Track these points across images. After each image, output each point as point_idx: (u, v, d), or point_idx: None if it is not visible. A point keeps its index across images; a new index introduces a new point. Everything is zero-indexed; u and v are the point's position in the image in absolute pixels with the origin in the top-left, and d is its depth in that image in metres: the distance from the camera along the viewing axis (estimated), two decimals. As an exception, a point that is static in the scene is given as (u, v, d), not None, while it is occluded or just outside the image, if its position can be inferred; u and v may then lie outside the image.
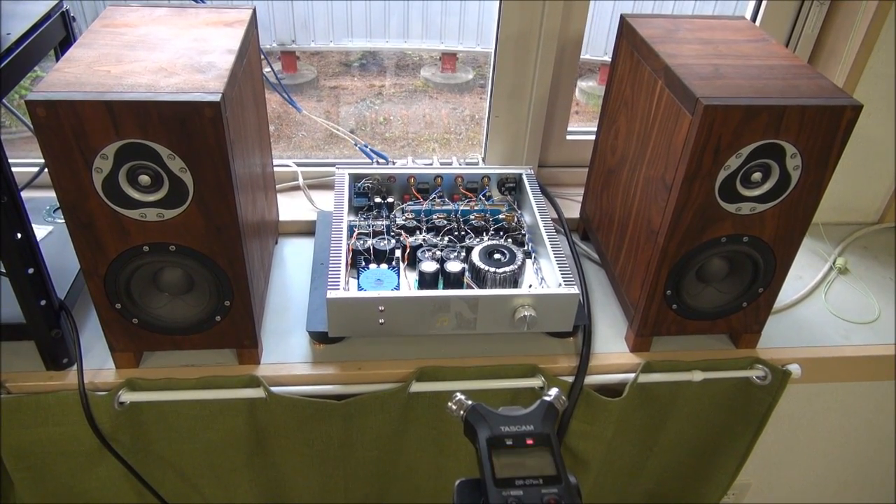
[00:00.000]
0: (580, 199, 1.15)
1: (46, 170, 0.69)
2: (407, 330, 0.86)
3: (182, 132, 0.67)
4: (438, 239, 0.96)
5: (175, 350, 0.86)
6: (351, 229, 0.96)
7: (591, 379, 0.91)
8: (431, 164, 1.14)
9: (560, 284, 0.86)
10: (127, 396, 0.83)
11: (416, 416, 0.93)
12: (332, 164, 1.19)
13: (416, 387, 0.88)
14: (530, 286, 0.91)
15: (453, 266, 0.89)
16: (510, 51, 1.11)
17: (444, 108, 1.92)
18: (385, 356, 0.90)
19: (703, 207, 0.78)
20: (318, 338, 0.90)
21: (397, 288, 0.87)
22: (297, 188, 1.20)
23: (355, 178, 1.04)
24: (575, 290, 0.86)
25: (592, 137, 1.08)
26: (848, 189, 1.20)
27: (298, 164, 1.21)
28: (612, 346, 0.94)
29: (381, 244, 0.94)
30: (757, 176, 0.77)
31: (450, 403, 0.59)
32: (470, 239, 0.97)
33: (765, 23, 1.12)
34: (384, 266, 0.91)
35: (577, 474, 0.98)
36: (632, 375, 0.91)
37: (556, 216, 1.13)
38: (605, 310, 0.99)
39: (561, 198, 1.20)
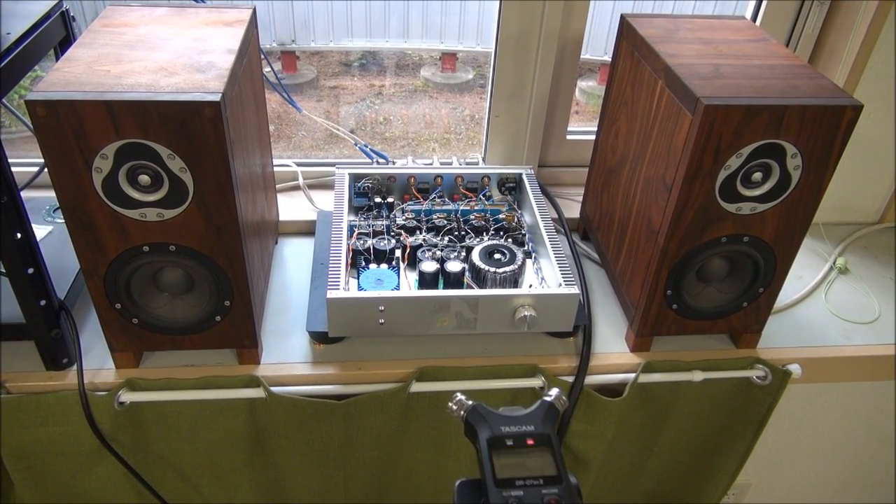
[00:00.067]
0: (580, 198, 1.15)
1: (46, 170, 0.69)
2: (407, 330, 0.86)
3: (182, 132, 0.67)
4: (438, 239, 0.96)
5: (175, 350, 0.86)
6: (351, 229, 0.96)
7: (591, 379, 0.91)
8: (431, 164, 1.14)
9: (560, 284, 0.86)
10: (127, 396, 0.83)
11: (416, 416, 0.92)
12: (332, 164, 1.19)
13: (417, 387, 0.88)
14: (530, 286, 0.91)
15: (453, 266, 0.89)
16: (510, 50, 1.11)
17: (444, 108, 1.92)
18: (385, 356, 0.90)
19: (704, 207, 0.78)
20: (318, 338, 0.90)
21: (397, 288, 0.87)
22: (297, 188, 1.20)
23: (355, 178, 1.04)
24: (575, 290, 0.86)
25: (592, 137, 1.08)
26: (848, 189, 1.20)
27: (298, 164, 1.21)
28: (612, 346, 0.94)
29: (381, 244, 0.94)
30: (757, 176, 0.77)
31: (450, 403, 0.59)
32: (470, 239, 0.97)
33: (765, 23, 1.12)
34: (384, 266, 0.91)
35: (578, 474, 0.98)
36: (632, 375, 0.91)
37: (556, 216, 1.12)
38: (606, 310, 0.99)
39: (561, 198, 1.19)
